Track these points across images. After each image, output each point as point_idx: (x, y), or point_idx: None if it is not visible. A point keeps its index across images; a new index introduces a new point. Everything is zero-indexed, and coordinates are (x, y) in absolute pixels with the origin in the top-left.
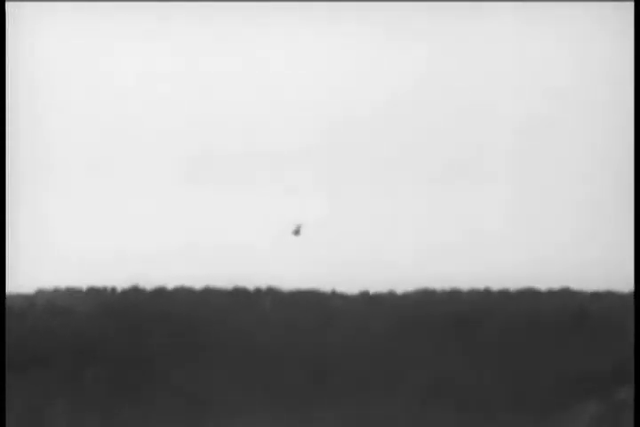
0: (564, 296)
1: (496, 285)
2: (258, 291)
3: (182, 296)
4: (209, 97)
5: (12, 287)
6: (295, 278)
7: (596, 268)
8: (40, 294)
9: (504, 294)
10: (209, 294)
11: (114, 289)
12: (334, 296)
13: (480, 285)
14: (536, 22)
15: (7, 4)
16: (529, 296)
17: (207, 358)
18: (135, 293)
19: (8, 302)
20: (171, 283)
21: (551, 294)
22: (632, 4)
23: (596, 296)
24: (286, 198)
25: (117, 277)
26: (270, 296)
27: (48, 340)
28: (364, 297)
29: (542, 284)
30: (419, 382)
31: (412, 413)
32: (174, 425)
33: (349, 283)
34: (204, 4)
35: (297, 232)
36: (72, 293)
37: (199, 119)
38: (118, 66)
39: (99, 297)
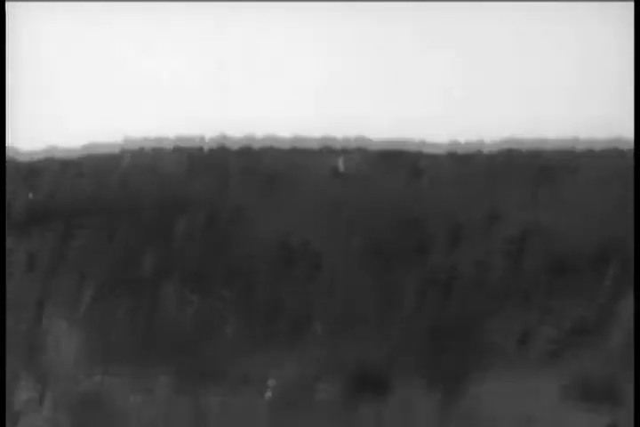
0: None
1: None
2: (346, 146)
3: (271, 152)
4: None
5: (98, 138)
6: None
7: None
8: (125, 150)
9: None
10: (296, 153)
11: (201, 144)
12: (422, 153)
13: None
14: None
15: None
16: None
17: (292, 213)
18: (223, 148)
19: (96, 159)
20: (258, 141)
21: None
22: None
23: None
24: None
25: (204, 129)
26: (358, 152)
27: (136, 195)
28: (452, 154)
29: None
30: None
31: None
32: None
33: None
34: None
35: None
36: (158, 148)
37: None
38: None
39: (185, 152)
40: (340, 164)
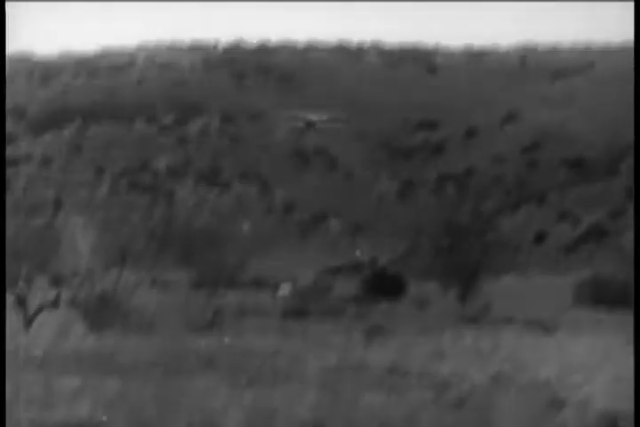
0: None
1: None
2: (361, 47)
3: (285, 52)
4: None
5: (113, 42)
6: (399, 34)
7: None
8: (141, 49)
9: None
10: (312, 50)
11: (216, 45)
12: (438, 52)
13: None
14: None
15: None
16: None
17: (315, 112)
18: (238, 48)
19: (111, 58)
20: (273, 38)
21: None
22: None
23: None
24: None
25: (220, 33)
26: (374, 51)
27: (151, 94)
28: (468, 52)
29: None
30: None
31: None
32: None
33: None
34: None
35: None
36: (173, 48)
37: None
38: None
39: (201, 52)
40: None
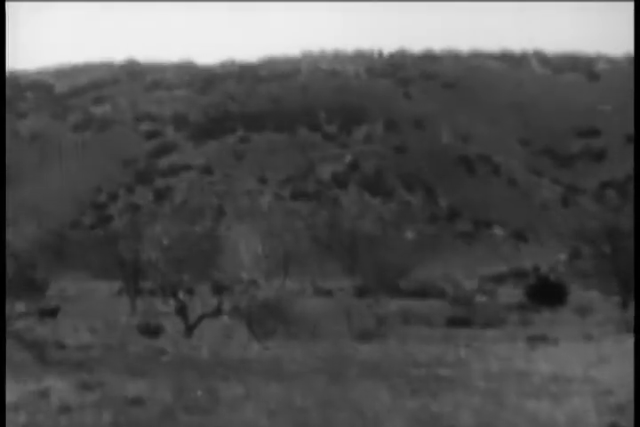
0: None
1: None
2: (524, 54)
3: (450, 59)
4: None
5: (277, 51)
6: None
7: None
8: (305, 57)
9: None
10: (476, 58)
11: (380, 52)
12: (600, 59)
13: None
14: None
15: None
16: None
17: (479, 119)
18: (402, 56)
19: (276, 67)
20: (436, 47)
21: None
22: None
23: None
24: None
25: (384, 41)
26: (536, 58)
27: (316, 100)
28: (629, 59)
29: None
30: None
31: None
32: None
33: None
34: None
35: None
36: (336, 56)
37: None
38: None
39: (365, 60)
40: None
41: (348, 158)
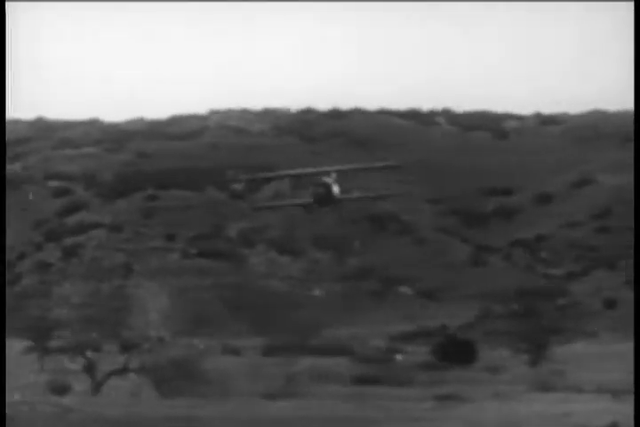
0: None
1: None
2: (432, 112)
3: (357, 117)
4: None
5: (183, 109)
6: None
7: None
8: (213, 114)
9: None
10: (383, 115)
11: (287, 110)
12: (508, 117)
13: None
14: None
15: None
16: None
17: (388, 176)
18: (309, 113)
19: (183, 123)
20: (345, 105)
21: None
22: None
23: None
24: None
25: (291, 99)
26: (444, 117)
27: (223, 157)
28: (538, 118)
29: None
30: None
31: None
32: None
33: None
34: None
35: None
36: (245, 113)
37: None
38: None
39: (272, 117)
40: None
41: (256, 217)
